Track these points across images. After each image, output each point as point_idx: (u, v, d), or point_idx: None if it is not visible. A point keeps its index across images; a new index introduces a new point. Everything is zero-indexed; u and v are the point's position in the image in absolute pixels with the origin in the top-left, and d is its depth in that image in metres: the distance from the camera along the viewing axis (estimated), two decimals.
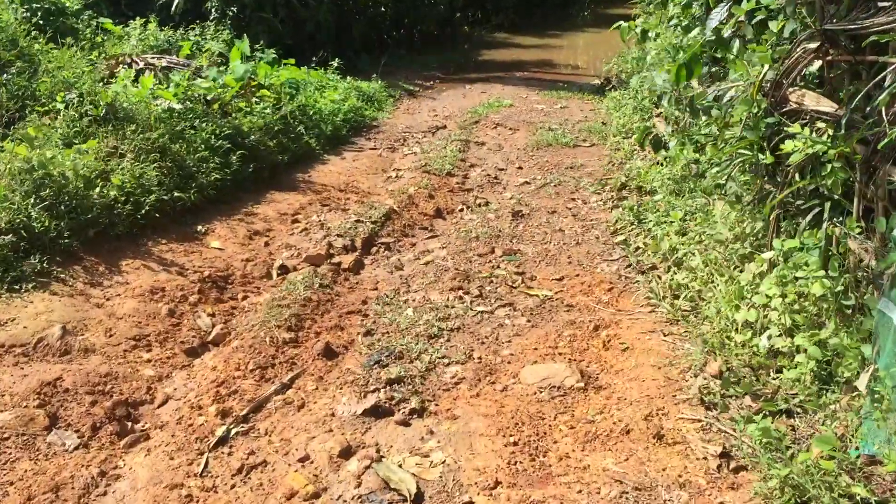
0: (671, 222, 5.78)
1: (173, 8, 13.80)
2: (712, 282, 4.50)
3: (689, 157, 6.15)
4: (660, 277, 5.03)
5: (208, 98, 7.94)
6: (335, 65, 11.91)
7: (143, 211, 5.84)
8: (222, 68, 9.32)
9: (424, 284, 5.51)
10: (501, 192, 7.96)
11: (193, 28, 12.54)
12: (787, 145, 3.65)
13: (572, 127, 10.42)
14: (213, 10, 13.92)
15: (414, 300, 5.19)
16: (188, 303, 4.95)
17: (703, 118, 5.29)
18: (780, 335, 3.64)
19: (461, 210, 7.43)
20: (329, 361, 4.26)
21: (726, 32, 4.86)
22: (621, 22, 8.11)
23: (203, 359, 4.33)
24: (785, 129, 3.87)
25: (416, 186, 7.78)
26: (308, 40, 14.71)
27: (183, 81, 7.57)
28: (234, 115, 8.00)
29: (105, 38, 11.52)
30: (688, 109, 6.73)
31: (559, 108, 11.77)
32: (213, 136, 7.26)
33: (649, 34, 7.50)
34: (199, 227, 6.27)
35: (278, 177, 7.92)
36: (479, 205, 7.54)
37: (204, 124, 7.36)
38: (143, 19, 12.08)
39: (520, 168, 8.78)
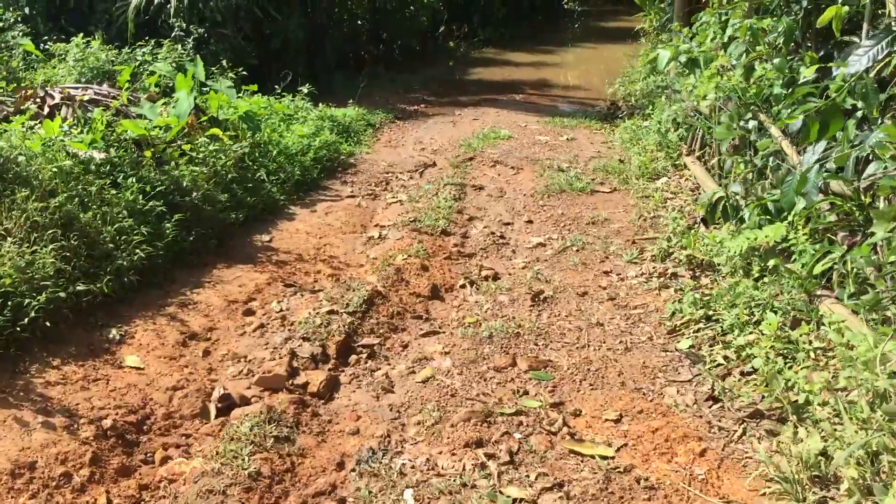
0: (762, 332, 4.20)
1: (129, 24, 11.84)
2: (880, 465, 2.90)
3: (778, 235, 4.56)
4: (778, 440, 3.41)
5: (141, 142, 6.25)
6: (305, 90, 10.21)
7: (28, 319, 4.15)
8: (165, 100, 7.61)
9: (426, 428, 3.87)
10: (511, 259, 6.35)
11: (142, 46, 10.71)
12: None
13: (584, 166, 8.83)
14: (169, 25, 12.13)
15: (413, 467, 3.53)
16: (71, 488, 3.25)
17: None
18: None
19: (463, 287, 5.80)
20: None
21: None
22: (660, 51, 6.59)
23: None
24: None
25: (404, 253, 6.15)
26: (275, 58, 13.01)
27: (100, 123, 5.86)
28: (174, 162, 6.31)
29: (33, 62, 9.79)
30: (763, 169, 5.17)
31: (565, 140, 10.19)
32: (140, 196, 5.57)
33: (699, 64, 5.93)
34: (113, 332, 4.58)
35: (229, 243, 6.24)
36: (486, 278, 5.91)
37: (130, 180, 5.67)
38: (87, 37, 10.32)
39: (529, 222, 7.16)
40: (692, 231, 6.19)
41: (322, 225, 6.98)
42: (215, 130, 7.10)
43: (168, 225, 5.53)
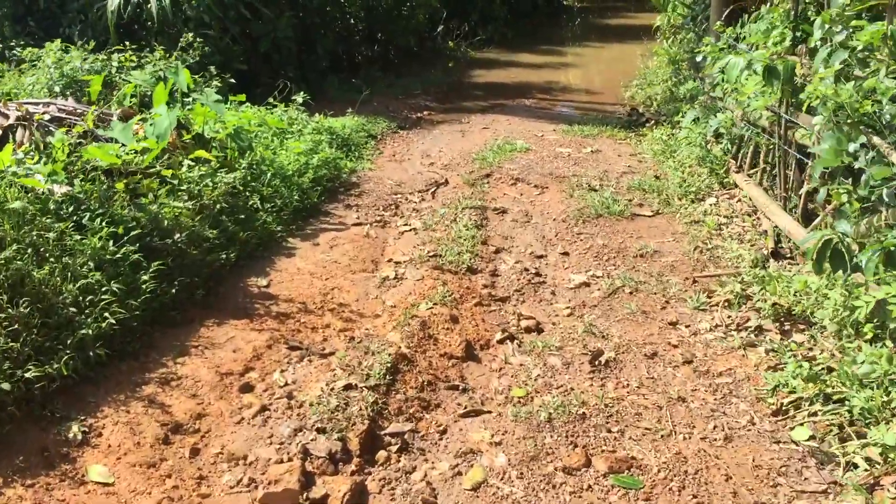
0: None
1: (110, 27, 10.70)
2: None
3: None
4: None
5: (112, 171, 5.23)
6: (300, 100, 9.15)
7: None
8: (143, 115, 6.58)
9: None
10: (552, 303, 5.38)
11: (122, 50, 9.51)
12: None
13: (617, 183, 7.86)
14: (148, 28, 11.02)
15: None
16: None
17: None
18: None
19: (502, 343, 4.84)
20: None
21: None
22: (731, 57, 5.63)
23: None
24: None
25: (428, 300, 5.16)
26: (264, 62, 11.96)
27: (61, 150, 4.84)
28: (152, 195, 5.29)
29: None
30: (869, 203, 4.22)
31: (589, 152, 9.21)
32: (111, 242, 4.55)
33: (777, 75, 4.98)
34: (73, 430, 3.57)
35: (220, 290, 5.22)
36: (528, 330, 4.96)
37: (98, 221, 4.65)
38: (58, 41, 9.20)
39: (565, 254, 6.19)
40: (769, 271, 5.24)
41: (327, 262, 5.98)
42: (201, 152, 6.08)
43: (145, 277, 4.51)
